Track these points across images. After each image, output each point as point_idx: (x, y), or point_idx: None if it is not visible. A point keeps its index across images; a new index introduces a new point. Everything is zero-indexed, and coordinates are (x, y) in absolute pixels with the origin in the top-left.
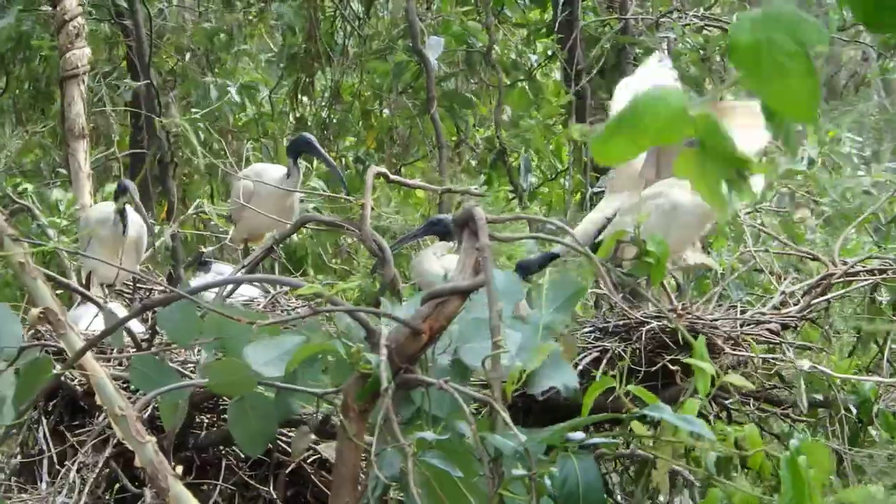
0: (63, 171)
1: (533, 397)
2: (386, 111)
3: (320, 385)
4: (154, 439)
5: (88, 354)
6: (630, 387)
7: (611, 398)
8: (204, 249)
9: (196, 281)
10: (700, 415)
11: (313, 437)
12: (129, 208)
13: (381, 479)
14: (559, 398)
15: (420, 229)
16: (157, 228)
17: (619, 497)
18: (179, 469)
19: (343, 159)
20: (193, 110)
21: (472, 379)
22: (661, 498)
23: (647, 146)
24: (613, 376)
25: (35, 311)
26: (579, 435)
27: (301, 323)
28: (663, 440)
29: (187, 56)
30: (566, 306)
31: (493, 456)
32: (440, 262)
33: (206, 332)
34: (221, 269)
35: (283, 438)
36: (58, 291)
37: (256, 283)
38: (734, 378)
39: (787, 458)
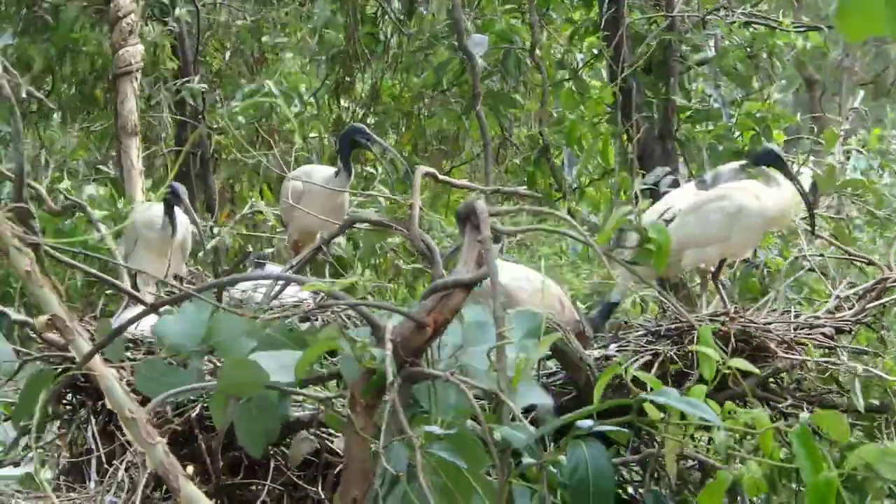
0: (103, 168)
1: (584, 401)
2: (425, 112)
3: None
4: (164, 440)
5: (97, 358)
6: (636, 372)
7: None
8: (251, 249)
9: None
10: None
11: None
12: (177, 210)
13: (389, 471)
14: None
15: None
16: (214, 229)
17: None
18: (190, 469)
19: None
20: (233, 104)
21: None
22: (671, 479)
23: None
24: (663, 378)
25: (43, 318)
26: (588, 422)
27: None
28: (671, 423)
29: (228, 55)
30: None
31: (501, 447)
32: None
33: (204, 339)
34: (274, 270)
35: (330, 439)
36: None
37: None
38: (739, 362)
39: (797, 432)
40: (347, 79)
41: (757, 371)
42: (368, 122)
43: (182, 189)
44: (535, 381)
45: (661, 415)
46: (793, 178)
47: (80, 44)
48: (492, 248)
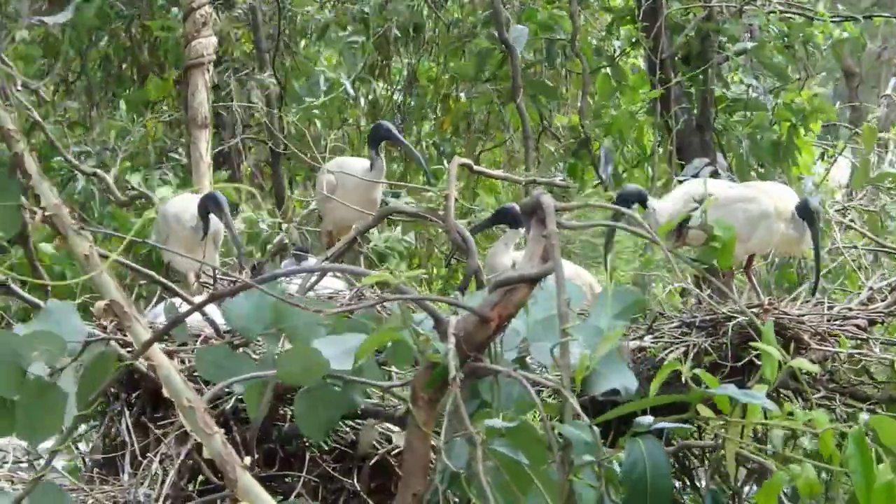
0: (174, 156)
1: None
2: (463, 95)
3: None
4: (222, 430)
5: (156, 346)
6: (695, 370)
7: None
8: (287, 241)
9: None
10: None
11: (396, 427)
12: (212, 217)
13: (449, 467)
14: (645, 393)
15: (489, 219)
16: (283, 226)
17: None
18: (248, 460)
19: (424, 143)
20: (309, 100)
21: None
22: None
23: None
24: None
25: (101, 304)
26: (648, 419)
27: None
28: (731, 422)
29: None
30: (625, 314)
31: (562, 444)
32: (510, 253)
33: (273, 323)
34: (314, 262)
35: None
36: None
37: (340, 275)
38: (801, 362)
39: (854, 434)
40: (384, 62)
41: (815, 369)
42: (406, 105)
43: (223, 199)
44: (623, 362)
45: (713, 414)
46: (816, 239)
47: (107, 25)
48: (557, 243)
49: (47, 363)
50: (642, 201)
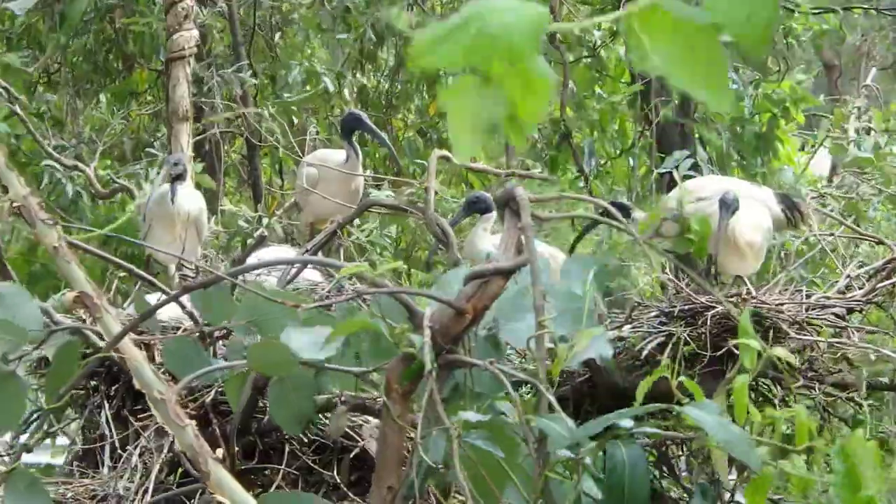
0: (152, 150)
1: (597, 382)
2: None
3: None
4: (194, 423)
5: (127, 338)
6: (682, 378)
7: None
8: (266, 234)
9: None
10: (765, 397)
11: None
12: (179, 186)
13: (425, 461)
14: (624, 384)
15: (462, 211)
16: (263, 219)
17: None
18: (220, 452)
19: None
20: (286, 95)
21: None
22: (721, 479)
23: (479, 62)
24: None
25: (70, 295)
26: (628, 422)
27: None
28: None
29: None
30: (597, 279)
31: (538, 438)
32: (491, 238)
33: (240, 313)
34: (280, 254)
35: (347, 423)
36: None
37: (318, 267)
38: (779, 351)
39: (840, 450)
40: (371, 47)
41: (795, 362)
42: (393, 90)
43: (183, 158)
44: (604, 331)
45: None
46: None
47: (93, 20)
48: (532, 235)
49: (5, 352)
50: (626, 214)
